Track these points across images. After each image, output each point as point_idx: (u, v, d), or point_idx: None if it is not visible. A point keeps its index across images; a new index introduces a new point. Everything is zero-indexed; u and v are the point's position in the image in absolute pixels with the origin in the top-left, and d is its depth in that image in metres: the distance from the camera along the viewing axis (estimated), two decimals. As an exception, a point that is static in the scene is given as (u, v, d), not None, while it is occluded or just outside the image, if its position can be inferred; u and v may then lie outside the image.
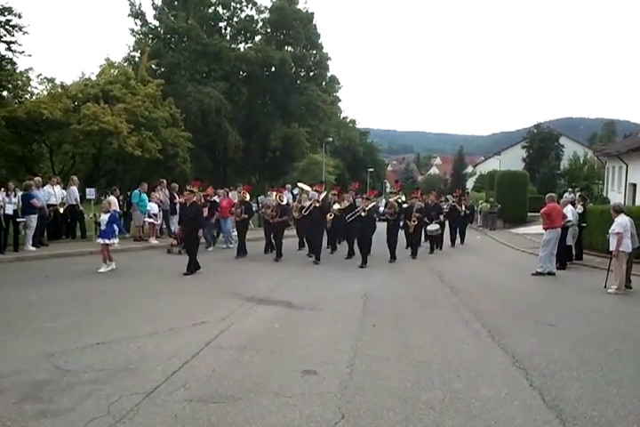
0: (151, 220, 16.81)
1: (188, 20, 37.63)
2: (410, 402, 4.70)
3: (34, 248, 13.94)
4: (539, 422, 4.34)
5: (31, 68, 24.70)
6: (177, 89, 32.79)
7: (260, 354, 5.96)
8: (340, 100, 49.01)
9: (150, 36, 39.09)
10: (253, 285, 10.39)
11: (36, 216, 14.04)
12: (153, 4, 39.20)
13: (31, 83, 23.67)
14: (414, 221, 15.31)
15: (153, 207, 16.77)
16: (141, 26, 39.18)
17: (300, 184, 17.19)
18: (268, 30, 41.01)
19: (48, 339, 6.38)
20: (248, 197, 15.68)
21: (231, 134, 35.09)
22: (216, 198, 16.99)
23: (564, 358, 6.06)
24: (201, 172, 32.45)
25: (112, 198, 15.85)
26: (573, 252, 14.45)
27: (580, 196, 16.33)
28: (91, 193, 16.75)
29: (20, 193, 14.08)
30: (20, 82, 22.16)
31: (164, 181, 18.04)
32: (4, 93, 19.23)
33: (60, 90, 24.25)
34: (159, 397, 4.64)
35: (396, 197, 14.97)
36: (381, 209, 17.56)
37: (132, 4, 38.60)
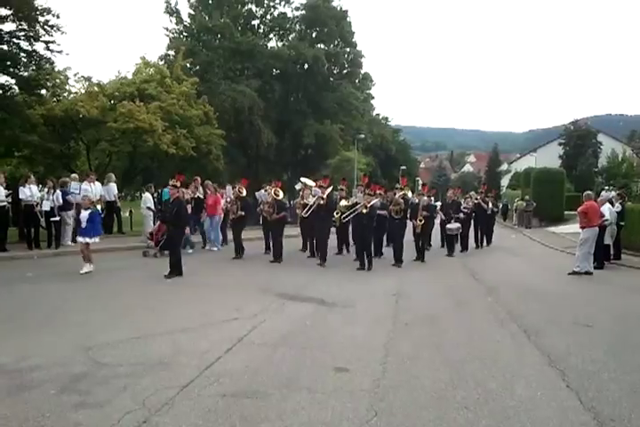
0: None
1: (221, 18, 37.87)
2: (444, 401, 4.66)
3: (72, 243, 14.23)
4: (575, 424, 4.26)
5: (69, 67, 25.29)
6: (211, 87, 33.02)
7: (292, 350, 5.98)
8: (372, 98, 48.73)
9: (185, 34, 39.46)
10: (284, 282, 10.43)
11: (72, 212, 14.34)
12: (188, 1, 39.58)
13: (69, 81, 24.14)
14: (421, 220, 13.89)
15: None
16: (176, 24, 39.56)
17: (302, 179, 16.31)
18: (302, 28, 40.99)
19: (85, 333, 6.51)
20: (245, 193, 14.40)
21: (264, 132, 35.22)
22: (200, 195, 15.86)
23: (602, 359, 5.93)
24: (234, 169, 32.67)
25: (147, 195, 16.10)
26: (611, 251, 14.15)
27: (618, 194, 15.98)
28: (76, 187, 15.37)
29: (58, 190, 14.39)
30: (57, 81, 22.60)
31: (198, 179, 18.22)
32: (43, 92, 19.61)
33: (96, 88, 24.63)
34: (193, 391, 4.69)
35: (401, 193, 13.83)
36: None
37: (167, 2, 39.02)
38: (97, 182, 16.39)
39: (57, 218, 14.02)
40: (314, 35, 40.83)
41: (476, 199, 18.50)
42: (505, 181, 63.07)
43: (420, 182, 75.82)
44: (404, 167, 57.56)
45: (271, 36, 41.43)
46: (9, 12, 15.41)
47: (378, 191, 14.28)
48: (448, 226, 15.77)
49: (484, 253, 17.08)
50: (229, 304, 8.34)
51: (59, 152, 23.04)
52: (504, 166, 77.67)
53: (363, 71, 43.89)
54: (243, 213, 14.02)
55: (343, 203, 13.43)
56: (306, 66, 38.93)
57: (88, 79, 25.00)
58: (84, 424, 4.02)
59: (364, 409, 4.42)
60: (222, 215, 15.71)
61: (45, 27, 16.29)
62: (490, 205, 18.84)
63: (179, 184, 11.33)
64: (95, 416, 4.15)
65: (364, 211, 12.15)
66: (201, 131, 25.86)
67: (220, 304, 8.39)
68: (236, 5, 39.89)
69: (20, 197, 13.59)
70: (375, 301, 8.99)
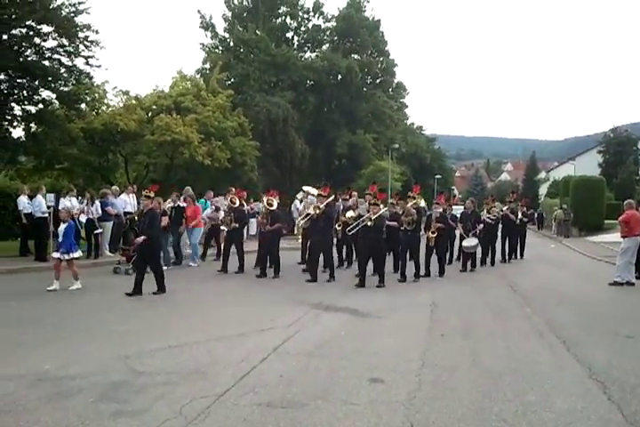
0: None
1: (257, 31, 38.45)
2: (481, 414, 4.58)
3: (111, 254, 14.53)
4: (618, 439, 4.14)
5: (107, 81, 25.92)
6: (246, 99, 33.49)
7: (327, 361, 5.97)
8: (406, 107, 48.75)
9: (220, 47, 40.18)
10: (319, 292, 10.41)
11: (111, 223, 14.65)
12: (223, 15, 40.34)
13: (107, 95, 24.79)
14: (434, 233, 12.71)
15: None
16: (211, 38, 40.33)
17: (305, 187, 15.34)
18: (335, 38, 41.32)
19: (122, 341, 6.63)
20: (238, 203, 13.55)
21: (298, 143, 35.50)
22: (180, 203, 14.53)
23: (645, 372, 5.75)
24: (268, 180, 32.95)
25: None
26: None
27: (660, 202, 15.51)
28: (51, 199, 14.09)
29: (97, 201, 14.72)
30: (96, 95, 23.22)
31: (233, 189, 18.42)
32: (82, 106, 20.16)
33: (134, 102, 25.23)
34: (229, 400, 4.72)
35: (413, 203, 12.83)
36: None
37: (202, 17, 39.83)
38: (133, 195, 16.66)
39: (100, 230, 14.34)
40: (347, 45, 41.14)
41: (502, 210, 16.63)
42: (543, 190, 62.04)
43: (456, 192, 75.24)
44: (439, 176, 57.14)
45: (305, 47, 41.84)
46: (51, 29, 15.91)
47: (391, 200, 13.52)
48: (464, 243, 14.06)
49: (522, 263, 16.74)
50: (263, 314, 8.38)
51: (97, 165, 23.62)
52: (542, 175, 76.51)
53: (396, 80, 44.05)
54: (237, 225, 13.19)
55: (350, 214, 12.43)
56: (339, 76, 39.18)
57: (126, 93, 25.62)
58: (123, 432, 4.08)
59: (399, 421, 4.37)
60: (202, 226, 14.86)
61: (85, 42, 16.76)
62: (520, 214, 17.17)
63: (152, 194, 10.60)
64: (133, 425, 4.21)
65: (369, 223, 11.06)
66: (236, 142, 26.19)
67: (254, 314, 8.43)
68: (270, 18, 40.49)
69: (60, 207, 13.95)
70: (410, 311, 8.92)
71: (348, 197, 14.05)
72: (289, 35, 41.87)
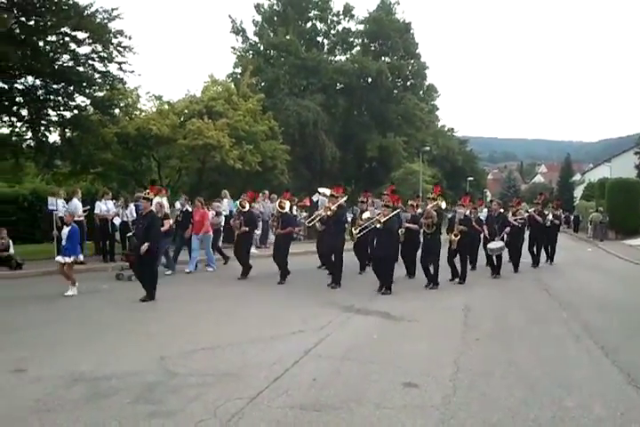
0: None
1: (287, 35, 38.63)
2: (518, 419, 4.51)
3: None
4: (661, 448, 4.02)
5: (140, 86, 26.33)
6: (276, 103, 33.61)
7: (359, 364, 5.94)
8: (437, 109, 48.33)
9: (251, 52, 40.47)
10: (350, 295, 10.32)
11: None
12: (253, 20, 40.63)
13: (140, 100, 25.18)
14: (456, 235, 12.07)
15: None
16: (242, 42, 40.66)
17: (321, 189, 14.85)
18: (365, 41, 41.26)
19: (156, 343, 6.72)
20: (248, 207, 13.09)
21: (328, 146, 35.50)
22: (188, 207, 14.30)
23: (688, 380, 5.58)
24: (298, 183, 33.04)
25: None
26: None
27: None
28: (52, 203, 14.02)
29: (131, 204, 14.93)
30: (130, 100, 23.62)
31: (266, 192, 18.54)
32: (116, 111, 20.50)
33: (166, 107, 25.57)
34: (262, 402, 4.74)
35: (434, 204, 12.11)
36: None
37: (233, 22, 40.19)
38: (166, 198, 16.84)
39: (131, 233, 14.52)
40: (377, 48, 41.05)
41: (527, 211, 15.97)
42: (578, 192, 60.91)
43: (488, 194, 74.36)
44: (471, 179, 56.56)
45: (335, 51, 41.91)
46: (85, 36, 16.21)
47: (411, 202, 12.85)
48: (489, 246, 13.43)
49: (557, 266, 16.40)
50: (295, 317, 8.39)
51: (131, 169, 24.00)
52: (577, 177, 75.14)
53: (427, 82, 43.72)
54: (247, 229, 12.70)
55: (366, 215, 11.93)
56: (369, 79, 39.08)
57: (159, 98, 25.97)
58: (158, 433, 4.12)
59: (434, 426, 4.33)
60: (210, 232, 14.09)
61: (118, 48, 17.00)
62: (550, 216, 16.27)
63: (152, 196, 10.16)
64: (168, 425, 4.26)
65: (378, 225, 10.54)
66: (266, 146, 26.33)
67: (285, 317, 8.45)
68: (300, 22, 40.65)
69: (96, 211, 14.21)
70: (443, 315, 8.83)
71: (365, 199, 13.52)
72: (319, 38, 41.95)
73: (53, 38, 16.03)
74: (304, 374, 5.53)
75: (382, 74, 37.76)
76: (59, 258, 10.09)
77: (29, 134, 17.79)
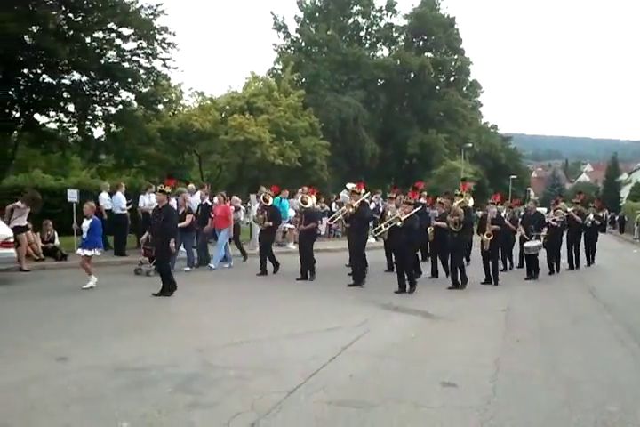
0: (290, 225, 17.30)
1: (328, 31, 38.64)
2: (559, 422, 4.40)
3: (183, 249, 14.88)
4: None
5: (183, 82, 26.80)
6: (316, 99, 33.70)
7: (397, 362, 5.89)
8: (481, 105, 47.73)
9: (292, 48, 40.65)
10: (388, 292, 10.15)
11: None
12: (295, 16, 40.81)
13: (183, 96, 25.59)
14: (489, 235, 11.47)
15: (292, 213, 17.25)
16: (284, 39, 40.89)
17: (349, 185, 14.17)
18: (408, 37, 40.98)
19: (195, 335, 6.79)
20: (271, 201, 12.80)
21: (368, 142, 35.43)
22: (208, 201, 13.85)
23: None
24: (338, 179, 33.06)
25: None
26: None
27: None
28: (72, 195, 14.12)
29: (173, 199, 15.12)
30: (173, 96, 24.03)
31: (306, 189, 18.54)
32: (160, 107, 20.82)
33: (209, 102, 25.92)
34: (300, 397, 4.74)
35: (460, 201, 11.42)
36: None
37: (275, 18, 40.44)
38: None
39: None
40: (420, 43, 40.75)
41: (566, 211, 15.01)
42: (625, 192, 59.19)
43: (532, 193, 72.89)
44: (514, 177, 55.57)
45: (377, 46, 41.74)
46: (131, 32, 16.51)
47: (439, 199, 12.42)
48: (526, 244, 12.86)
49: (602, 268, 15.93)
50: (333, 313, 8.38)
51: (174, 164, 24.39)
52: (624, 176, 72.99)
53: (471, 78, 43.28)
54: (270, 224, 12.40)
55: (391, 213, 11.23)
56: (412, 75, 38.85)
57: (201, 94, 26.37)
58: (197, 424, 4.17)
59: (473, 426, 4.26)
60: (232, 228, 13.68)
61: (163, 44, 17.28)
62: (591, 216, 15.42)
63: (168, 190, 9.90)
64: (207, 416, 4.30)
65: (399, 223, 10.12)
66: (306, 142, 26.43)
67: (323, 313, 8.43)
68: (342, 18, 40.62)
69: (139, 205, 14.46)
70: (483, 315, 8.67)
71: (394, 195, 12.82)
72: (361, 34, 41.85)
73: (100, 35, 16.38)
74: (341, 371, 5.50)
75: (425, 69, 37.50)
76: (79, 251, 9.98)
77: (76, 129, 18.25)
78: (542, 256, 13.38)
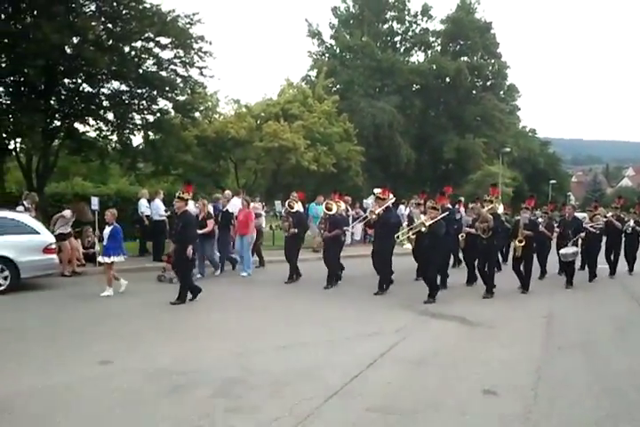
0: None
1: (362, 37, 38.68)
2: (605, 434, 4.27)
3: (219, 254, 15.01)
4: None
5: (219, 90, 27.16)
6: (351, 105, 33.71)
7: (436, 369, 5.81)
8: (519, 109, 47.15)
9: (326, 54, 40.82)
10: (423, 298, 9.83)
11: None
12: (330, 23, 40.99)
13: (219, 104, 25.94)
14: (521, 241, 10.97)
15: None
16: (318, 45, 41.08)
17: (377, 190, 13.63)
18: (444, 41, 40.75)
19: (235, 340, 6.85)
20: (298, 207, 12.49)
21: (403, 147, 35.26)
22: (229, 208, 13.38)
23: None
24: (373, 184, 32.98)
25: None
26: None
27: None
28: (95, 203, 13.57)
29: (210, 205, 15.26)
30: (209, 103, 24.35)
31: (295, 194, 18.49)
32: (197, 115, 21.10)
33: (244, 110, 26.19)
34: (338, 403, 4.73)
35: (489, 207, 10.94)
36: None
37: (309, 25, 40.69)
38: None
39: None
40: (456, 48, 40.48)
41: (605, 217, 14.14)
42: (668, 197, 57.43)
43: (572, 198, 71.34)
44: (553, 182, 54.55)
45: (412, 51, 41.62)
46: (168, 41, 16.79)
47: (472, 205, 11.90)
48: (562, 251, 12.21)
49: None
50: (369, 320, 8.33)
51: (210, 170, 24.69)
52: (667, 180, 70.88)
53: (508, 82, 42.75)
54: (295, 231, 12.01)
55: (422, 219, 10.50)
56: (447, 79, 38.55)
57: (237, 101, 26.67)
58: (236, 428, 4.18)
59: (514, 435, 4.17)
60: (254, 234, 13.33)
61: (199, 53, 17.50)
62: (631, 222, 14.34)
63: (188, 196, 9.81)
64: (246, 421, 4.33)
65: (423, 229, 9.76)
66: (341, 148, 26.43)
67: (360, 319, 8.38)
68: (376, 24, 40.65)
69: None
70: (523, 322, 8.49)
71: (422, 201, 12.23)
72: (395, 39, 41.78)
73: (138, 44, 16.68)
74: (379, 377, 5.46)
75: (461, 74, 37.19)
76: (99, 258, 9.95)
77: (115, 137, 18.60)
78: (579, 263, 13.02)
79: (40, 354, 6.09)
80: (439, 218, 9.85)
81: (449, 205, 12.15)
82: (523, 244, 10.93)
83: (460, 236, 12.00)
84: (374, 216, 10.77)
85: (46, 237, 10.83)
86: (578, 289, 12.04)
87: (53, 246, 10.93)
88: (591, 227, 13.21)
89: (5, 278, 9.98)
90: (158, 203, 14.74)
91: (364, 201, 19.64)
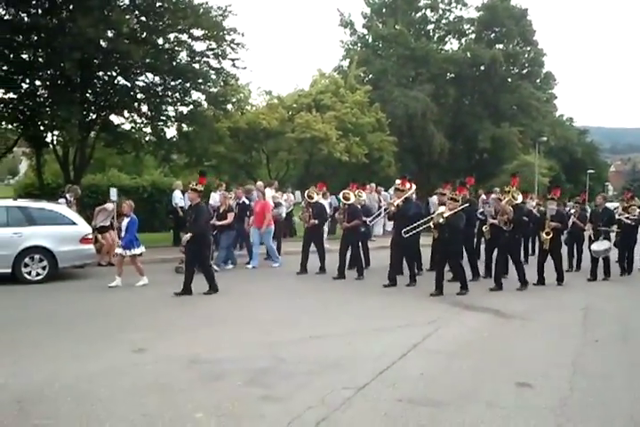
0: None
1: (395, 25, 38.24)
2: (642, 427, 4.18)
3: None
4: None
5: (251, 82, 27.14)
6: (383, 95, 33.38)
7: (469, 361, 5.76)
8: (555, 98, 46.02)
9: (359, 44, 40.48)
10: (455, 290, 9.67)
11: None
12: (362, 12, 40.58)
13: (251, 95, 25.97)
14: (548, 234, 10.58)
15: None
16: (350, 35, 40.76)
17: (397, 181, 13.15)
18: (479, 29, 40.01)
19: (265, 330, 6.90)
20: (317, 198, 12.17)
21: (437, 137, 34.84)
22: (245, 200, 13.23)
23: None
24: (405, 175, 32.75)
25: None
26: None
27: None
28: (113, 194, 13.30)
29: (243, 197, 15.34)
30: (242, 95, 24.41)
31: (373, 185, 18.47)
32: (229, 106, 21.17)
33: (276, 101, 26.19)
34: (369, 393, 4.72)
35: (508, 199, 10.37)
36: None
37: (341, 15, 40.39)
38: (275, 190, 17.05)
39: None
40: (491, 35, 39.72)
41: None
42: None
43: (610, 188, 69.68)
44: (591, 171, 53.31)
45: (446, 39, 40.99)
46: (201, 33, 16.86)
47: (496, 197, 11.36)
48: (593, 247, 11.65)
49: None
50: (402, 311, 8.31)
51: (242, 162, 24.83)
52: None
53: (544, 70, 41.74)
54: (316, 222, 11.74)
55: (441, 210, 10.06)
56: (482, 68, 37.87)
57: (269, 93, 26.66)
58: (269, 416, 4.23)
59: (549, 428, 4.11)
60: (272, 227, 12.90)
61: (232, 45, 17.52)
62: None
63: (200, 188, 9.56)
64: (279, 409, 4.36)
65: (441, 220, 9.43)
66: (373, 138, 26.24)
67: (391, 311, 8.36)
68: (409, 12, 40.10)
69: (210, 202, 14.78)
70: (560, 314, 8.34)
71: (444, 191, 11.46)
72: (429, 27, 41.19)
73: (172, 36, 16.80)
74: (411, 368, 5.44)
75: (496, 62, 36.47)
76: (118, 250, 10.02)
77: (149, 129, 18.83)
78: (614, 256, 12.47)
79: (75, 342, 6.24)
80: (458, 210, 9.56)
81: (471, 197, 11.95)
82: (550, 236, 10.57)
83: (484, 228, 11.73)
84: (393, 208, 10.48)
85: (83, 227, 11.06)
86: (615, 282, 11.77)
87: (90, 237, 11.16)
88: (626, 218, 12.59)
89: (44, 268, 10.27)
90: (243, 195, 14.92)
91: (383, 193, 19.40)
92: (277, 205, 14.31)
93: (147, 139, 19.36)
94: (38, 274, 10.24)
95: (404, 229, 10.08)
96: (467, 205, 10.25)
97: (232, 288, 9.70)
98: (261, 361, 5.57)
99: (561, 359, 5.88)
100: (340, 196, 11.97)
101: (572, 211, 13.29)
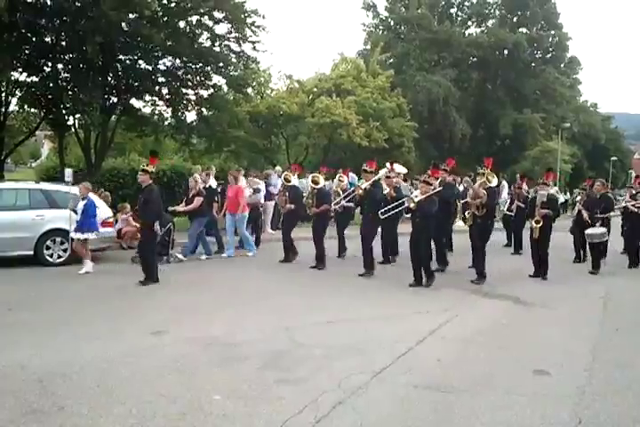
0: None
1: (418, 8, 37.76)
2: (663, 416, 4.13)
3: (272, 231, 15.18)
4: None
5: (272, 66, 26.99)
6: (405, 79, 33.11)
7: (486, 348, 5.74)
8: (580, 83, 45.28)
9: (381, 27, 40.08)
10: (471, 277, 9.56)
11: (273, 202, 15.25)
12: (385, -5, 40.15)
13: (272, 79, 25.86)
14: (537, 222, 9.81)
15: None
16: (373, 18, 40.36)
17: (396, 166, 12.35)
18: (502, 12, 39.37)
19: (284, 314, 6.94)
20: (294, 181, 11.53)
21: (458, 123, 34.52)
22: (213, 184, 12.68)
23: None
24: (426, 161, 32.49)
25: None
26: None
27: None
28: (68, 175, 11.42)
29: (262, 182, 15.34)
30: (262, 79, 24.32)
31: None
32: (249, 90, 21.07)
33: (296, 85, 26.05)
34: (386, 378, 4.73)
35: (481, 181, 9.54)
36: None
37: (365, -2, 39.95)
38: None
39: (261, 209, 14.92)
40: (515, 19, 39.07)
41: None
42: None
43: (633, 175, 68.41)
44: (614, 158, 52.43)
45: (469, 23, 40.41)
46: (222, 15, 16.75)
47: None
48: (588, 231, 11.07)
49: None
50: (419, 297, 8.27)
51: (262, 146, 24.80)
52: None
53: (569, 55, 41.04)
54: (292, 207, 11.06)
55: (415, 194, 9.42)
56: (505, 52, 37.34)
57: (289, 77, 26.52)
58: (286, 399, 4.26)
59: (566, 416, 4.10)
60: (246, 213, 12.11)
61: (252, 28, 17.38)
62: None
63: (151, 169, 8.82)
64: (295, 392, 4.39)
65: (412, 205, 8.81)
66: (394, 123, 26.03)
67: (408, 297, 8.33)
68: (432, -5, 39.58)
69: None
70: (579, 302, 8.27)
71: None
72: (452, 10, 40.63)
73: (193, 19, 16.73)
74: (428, 354, 5.44)
75: (520, 46, 35.96)
76: (72, 234, 9.63)
77: (169, 113, 18.87)
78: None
79: (94, 324, 6.31)
80: (430, 193, 8.90)
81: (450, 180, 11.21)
82: (540, 224, 9.82)
83: (465, 213, 10.65)
84: (360, 192, 9.72)
85: (104, 210, 11.16)
86: (636, 270, 11.61)
87: (111, 220, 11.27)
88: (632, 206, 11.90)
89: (65, 251, 10.39)
90: (211, 179, 14.88)
91: (402, 183, 18.90)
92: (256, 191, 13.66)
93: (167, 122, 19.43)
94: (60, 256, 10.38)
95: (381, 211, 9.60)
96: (440, 189, 9.50)
97: (249, 273, 9.79)
98: (278, 345, 5.62)
99: (580, 348, 5.84)
100: (309, 179, 11.32)
101: (578, 198, 12.83)
